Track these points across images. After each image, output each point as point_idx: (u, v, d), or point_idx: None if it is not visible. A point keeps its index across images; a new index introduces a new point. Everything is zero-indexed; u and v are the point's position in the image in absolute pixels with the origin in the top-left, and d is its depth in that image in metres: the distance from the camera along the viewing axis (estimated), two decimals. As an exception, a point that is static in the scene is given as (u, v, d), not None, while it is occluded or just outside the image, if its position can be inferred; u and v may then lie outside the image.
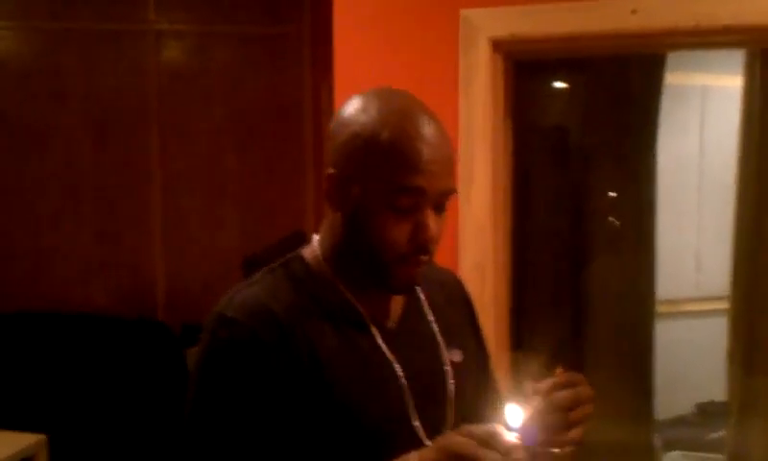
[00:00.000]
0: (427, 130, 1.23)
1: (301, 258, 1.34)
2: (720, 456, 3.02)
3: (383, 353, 1.29)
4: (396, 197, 1.21)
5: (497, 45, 2.14)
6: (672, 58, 3.24)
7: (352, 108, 1.28)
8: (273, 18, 4.38)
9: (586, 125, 3.11)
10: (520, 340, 2.54)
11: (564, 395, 1.27)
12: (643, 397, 3.20)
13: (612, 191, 3.13)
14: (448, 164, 1.25)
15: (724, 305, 2.95)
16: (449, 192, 1.26)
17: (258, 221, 4.36)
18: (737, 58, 2.80)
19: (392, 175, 1.20)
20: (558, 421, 1.27)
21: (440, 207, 1.26)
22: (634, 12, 2.02)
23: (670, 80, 3.31)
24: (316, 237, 1.36)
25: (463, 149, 2.16)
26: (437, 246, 1.27)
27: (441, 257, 2.17)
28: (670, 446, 3.75)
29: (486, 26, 2.12)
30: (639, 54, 2.71)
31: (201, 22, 4.35)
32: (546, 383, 1.27)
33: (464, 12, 2.12)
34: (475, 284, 2.19)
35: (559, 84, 3.14)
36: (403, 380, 1.28)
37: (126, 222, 4.40)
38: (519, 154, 2.44)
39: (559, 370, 1.30)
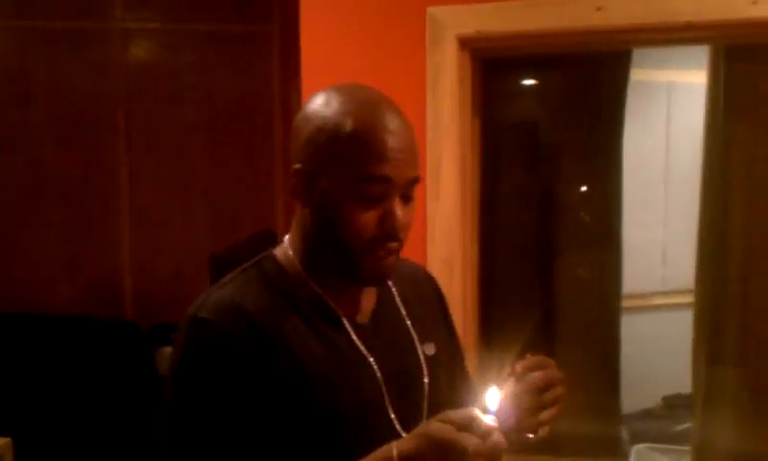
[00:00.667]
0: (391, 119, 1.26)
1: (273, 257, 1.35)
2: (686, 448, 3.05)
3: (358, 349, 1.30)
4: (364, 187, 1.23)
5: (464, 43, 2.16)
6: (638, 54, 3.27)
7: (315, 103, 1.29)
8: (242, 16, 4.37)
9: (553, 121, 3.13)
10: (488, 335, 2.56)
11: (537, 375, 1.30)
12: (610, 390, 3.23)
13: (579, 187, 3.15)
14: (413, 153, 1.28)
15: (690, 299, 2.98)
16: (415, 180, 1.28)
17: (227, 219, 4.35)
18: (703, 53, 2.83)
19: (358, 165, 1.22)
20: (531, 402, 1.30)
21: (407, 197, 1.28)
22: (599, 9, 2.04)
23: (636, 76, 3.33)
24: (287, 236, 1.37)
25: (430, 146, 2.17)
26: (407, 235, 1.29)
27: (409, 253, 2.18)
28: (637, 438, 3.78)
29: (452, 23, 2.13)
30: (605, 51, 2.74)
31: (168, 20, 4.32)
32: (519, 365, 1.30)
33: (430, 10, 2.14)
34: (444, 280, 2.19)
35: (526, 82, 3.16)
36: (379, 375, 1.30)
37: (93, 222, 4.37)
38: (487, 150, 2.45)
39: (528, 356, 1.33)
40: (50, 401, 3.83)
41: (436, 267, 2.20)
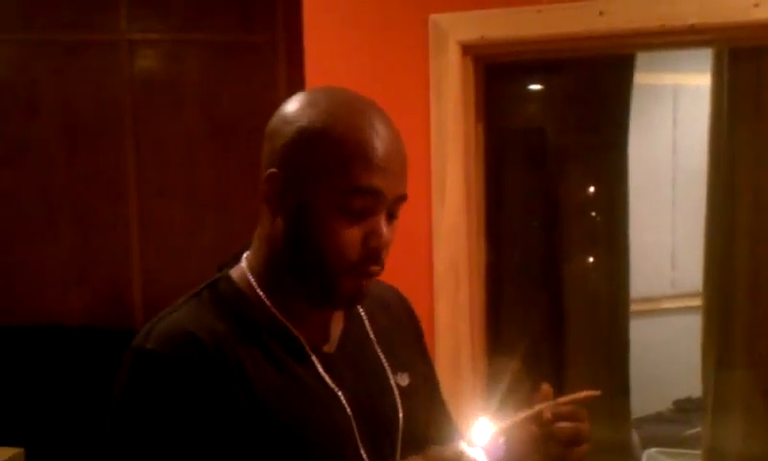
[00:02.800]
0: (383, 127, 1.13)
1: (229, 278, 1.21)
2: (698, 452, 3.04)
3: (325, 383, 1.16)
4: (351, 199, 1.10)
5: (467, 49, 2.16)
6: (644, 58, 3.27)
7: (298, 103, 1.16)
8: (246, 27, 4.38)
9: (558, 126, 3.13)
10: (496, 341, 2.56)
11: (568, 428, 1.15)
12: (620, 394, 3.23)
13: (586, 191, 3.15)
14: (404, 166, 1.16)
15: (699, 302, 2.98)
16: (403, 198, 1.16)
17: (235, 228, 4.35)
18: (708, 56, 2.83)
19: (346, 175, 1.09)
20: (556, 453, 1.16)
21: (392, 215, 1.16)
22: (601, 13, 2.04)
23: (642, 80, 3.35)
24: (245, 255, 1.24)
25: (435, 152, 2.17)
26: (387, 254, 1.17)
27: (414, 259, 2.19)
28: (648, 443, 3.77)
29: (455, 30, 2.14)
30: (608, 55, 2.74)
31: (173, 31, 4.34)
32: (548, 410, 1.15)
33: (433, 17, 2.14)
34: (450, 285, 2.21)
35: (531, 87, 3.17)
36: (348, 411, 1.16)
37: (102, 233, 4.38)
38: (492, 155, 2.46)
39: (545, 387, 1.18)
40: (61, 412, 3.84)
41: (442, 273, 2.20)
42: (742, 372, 2.74)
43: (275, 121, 1.18)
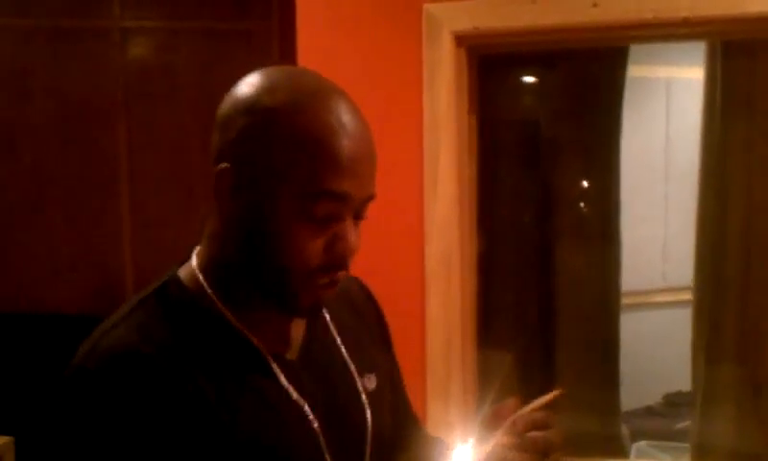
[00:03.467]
0: (351, 120, 1.00)
1: (177, 281, 1.08)
2: (686, 445, 3.05)
3: (288, 394, 1.06)
4: (315, 203, 0.97)
5: (461, 39, 2.16)
6: (637, 50, 3.27)
7: (252, 88, 1.02)
8: (240, 14, 4.36)
9: (550, 118, 3.13)
10: (487, 334, 2.56)
11: (541, 437, 1.05)
12: (610, 388, 3.23)
13: (578, 184, 3.15)
14: (374, 163, 1.03)
15: (691, 296, 2.98)
16: (371, 198, 1.04)
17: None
18: (700, 49, 2.83)
19: (311, 177, 0.97)
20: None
21: (360, 216, 1.04)
22: (595, 5, 2.04)
23: (635, 72, 3.33)
24: (196, 250, 1.12)
25: (427, 143, 2.17)
26: (353, 259, 1.06)
27: (406, 250, 2.19)
28: (638, 436, 3.79)
29: (449, 20, 2.13)
30: (601, 47, 2.74)
31: (167, 18, 4.32)
32: (520, 421, 1.05)
33: (427, 7, 2.13)
34: (442, 278, 2.21)
35: (524, 78, 3.16)
36: (314, 423, 1.06)
37: (94, 221, 4.36)
38: (485, 147, 2.45)
39: (511, 401, 1.09)
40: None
41: (434, 264, 2.20)
42: (732, 366, 2.75)
43: (225, 107, 1.06)
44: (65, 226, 4.34)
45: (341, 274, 1.03)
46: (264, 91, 1.00)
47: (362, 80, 2.17)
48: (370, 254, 2.16)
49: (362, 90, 2.16)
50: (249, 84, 1.03)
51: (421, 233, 2.20)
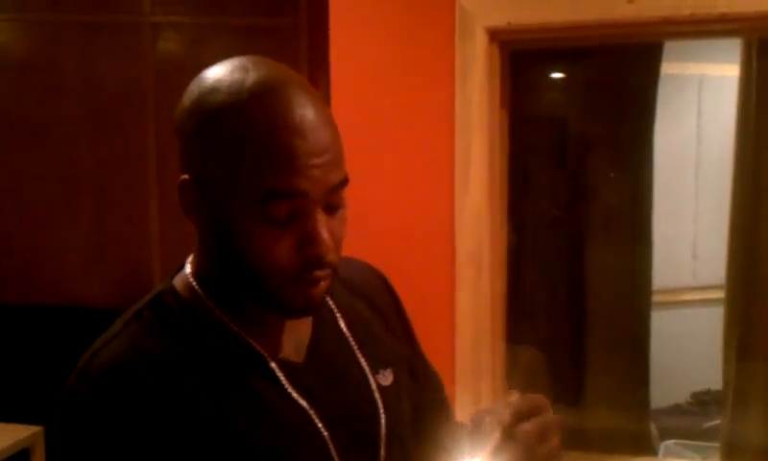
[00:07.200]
0: (301, 111, 0.93)
1: (173, 292, 1.04)
2: (715, 445, 3.03)
3: (293, 400, 1.00)
4: (269, 206, 0.92)
5: (494, 35, 2.14)
6: (669, 47, 3.24)
7: (197, 89, 0.97)
8: (270, 10, 4.37)
9: (583, 114, 3.11)
10: (517, 330, 2.55)
11: (528, 428, 0.95)
12: (639, 385, 3.21)
13: (609, 180, 3.13)
14: (334, 151, 0.95)
15: (720, 294, 2.96)
16: (342, 184, 0.97)
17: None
18: (734, 47, 2.80)
19: (256, 178, 0.91)
20: (527, 457, 0.95)
21: (332, 206, 0.97)
22: (630, 1, 2.02)
23: (667, 69, 3.31)
24: (189, 259, 1.08)
25: (459, 139, 2.16)
26: (340, 251, 1.00)
27: (437, 247, 2.18)
28: (666, 434, 3.76)
29: (482, 15, 2.12)
30: (636, 43, 2.71)
31: (197, 14, 4.34)
32: (506, 413, 0.95)
33: (460, 2, 2.12)
34: (472, 273, 2.20)
35: (556, 74, 3.15)
36: (323, 430, 1.01)
37: (123, 215, 4.40)
38: (516, 143, 2.44)
39: (515, 395, 1.00)
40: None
41: (464, 260, 2.19)
42: (763, 365, 2.73)
43: (177, 113, 1.00)
44: (95, 220, 4.38)
45: (319, 273, 0.96)
46: (207, 91, 0.96)
47: (394, 75, 2.16)
48: (400, 250, 2.17)
49: (394, 86, 2.17)
50: (195, 83, 0.98)
51: (452, 229, 2.19)
